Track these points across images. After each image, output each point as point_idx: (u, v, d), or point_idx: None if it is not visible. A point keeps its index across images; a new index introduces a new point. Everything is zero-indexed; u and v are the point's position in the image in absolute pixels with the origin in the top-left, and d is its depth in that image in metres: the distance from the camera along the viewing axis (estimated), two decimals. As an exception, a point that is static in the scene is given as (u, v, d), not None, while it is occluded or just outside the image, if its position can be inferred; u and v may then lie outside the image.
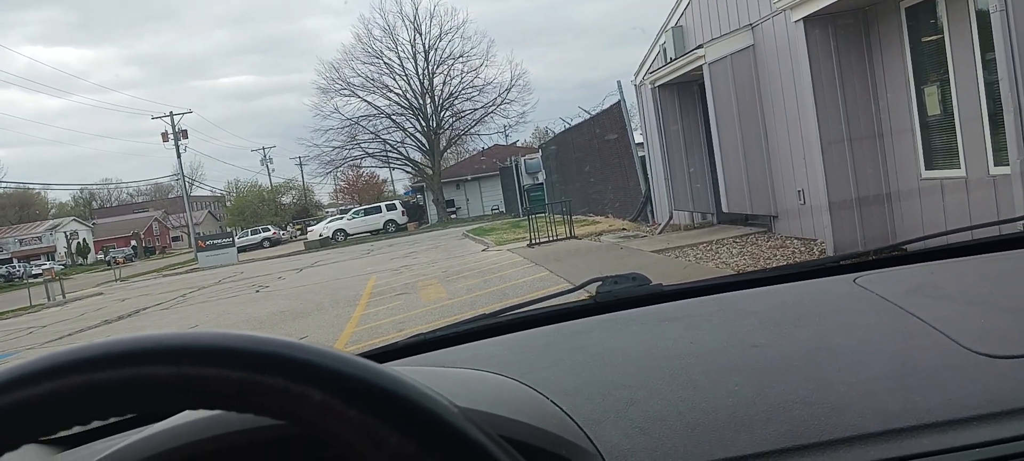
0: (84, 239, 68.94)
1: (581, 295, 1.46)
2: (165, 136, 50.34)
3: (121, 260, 49.44)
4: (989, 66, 6.78)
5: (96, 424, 0.75)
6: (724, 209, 12.72)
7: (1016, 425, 0.77)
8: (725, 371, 0.97)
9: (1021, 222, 1.87)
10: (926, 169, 8.24)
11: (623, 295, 1.37)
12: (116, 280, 34.82)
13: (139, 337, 0.49)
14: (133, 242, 69.86)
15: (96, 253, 66.68)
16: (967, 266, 1.34)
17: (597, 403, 0.92)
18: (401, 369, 0.78)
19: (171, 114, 50.49)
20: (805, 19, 8.56)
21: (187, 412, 0.77)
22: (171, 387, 0.48)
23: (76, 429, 0.50)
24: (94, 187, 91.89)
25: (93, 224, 74.55)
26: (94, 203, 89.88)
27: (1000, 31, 6.03)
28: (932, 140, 8.14)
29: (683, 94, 14.28)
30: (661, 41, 14.83)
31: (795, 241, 10.60)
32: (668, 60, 13.90)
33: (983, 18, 6.71)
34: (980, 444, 0.75)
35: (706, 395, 0.91)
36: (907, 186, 8.47)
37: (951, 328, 0.99)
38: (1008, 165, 6.40)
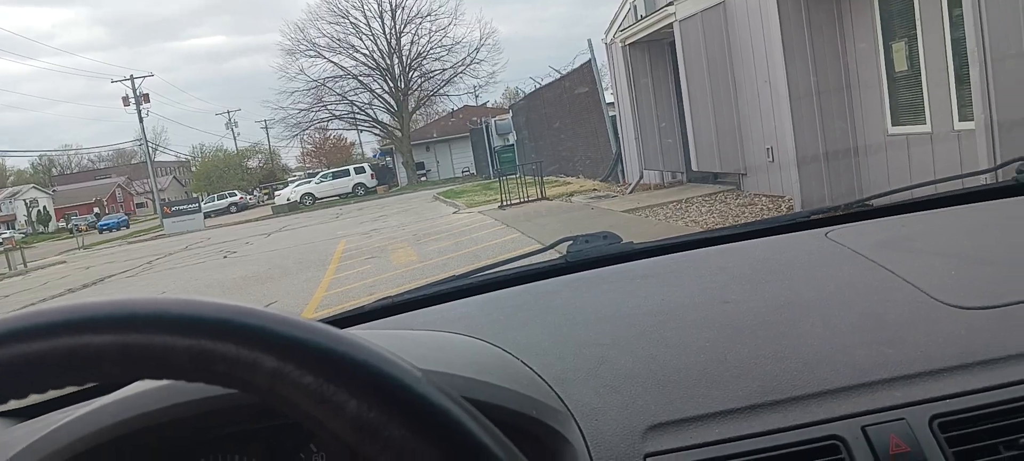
0: (45, 207, 67.39)
1: (552, 255, 1.44)
2: (126, 100, 49.08)
3: (84, 227, 48.48)
4: (956, 22, 6.83)
5: (35, 398, 0.72)
6: (694, 167, 12.77)
7: (988, 375, 0.77)
8: (696, 328, 0.96)
9: (986, 175, 1.88)
10: (893, 125, 8.34)
11: (594, 254, 1.36)
12: (79, 248, 34.17)
13: (79, 304, 0.46)
14: (96, 209, 68.47)
15: (57, 221, 65.26)
16: (938, 219, 1.34)
17: (568, 362, 0.90)
18: (364, 333, 0.75)
19: (131, 77, 49.20)
20: (775, -25, 8.54)
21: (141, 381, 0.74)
22: (114, 357, 0.45)
23: (14, 404, 0.47)
24: (54, 154, 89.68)
25: (53, 191, 72.82)
26: (54, 170, 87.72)
27: (966, -14, 6.07)
28: (899, 96, 8.22)
29: (653, 52, 14.24)
30: (631, -1, 14.74)
31: (763, 198, 10.70)
32: (638, 18, 13.82)
33: (950, -27, 6.75)
34: (952, 395, 0.75)
35: (678, 352, 0.90)
36: (874, 141, 8.58)
37: (923, 280, 0.98)
38: (972, 120, 6.49)
